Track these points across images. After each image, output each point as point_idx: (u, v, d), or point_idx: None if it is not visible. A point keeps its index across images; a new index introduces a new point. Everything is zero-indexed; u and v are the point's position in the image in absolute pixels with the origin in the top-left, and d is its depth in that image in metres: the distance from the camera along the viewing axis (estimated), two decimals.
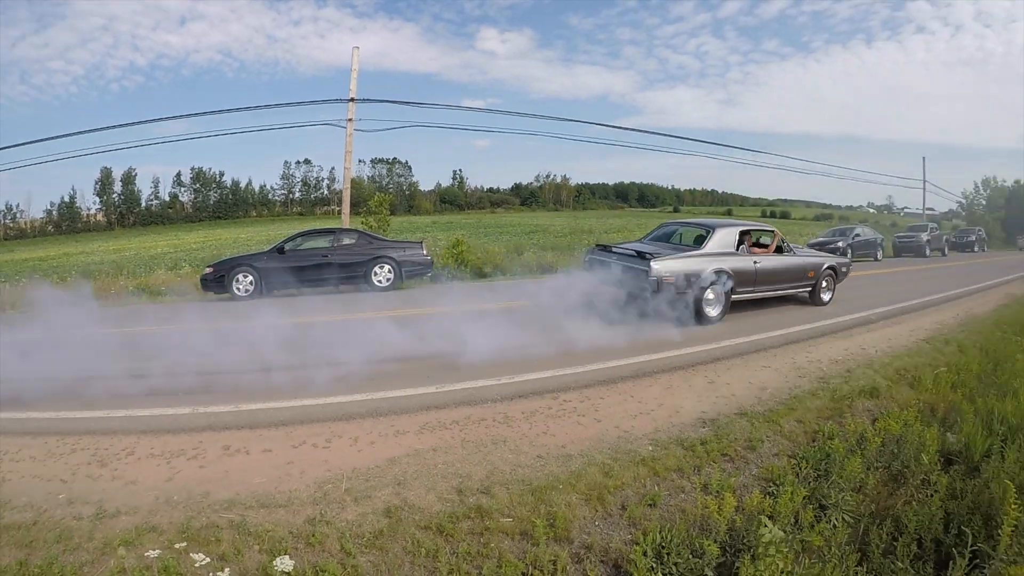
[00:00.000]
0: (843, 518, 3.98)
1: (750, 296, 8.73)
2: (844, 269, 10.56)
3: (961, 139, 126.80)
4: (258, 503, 3.24)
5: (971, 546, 3.38)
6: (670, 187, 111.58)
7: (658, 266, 7.41)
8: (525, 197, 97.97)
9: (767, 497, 3.90)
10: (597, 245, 9.61)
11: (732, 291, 8.11)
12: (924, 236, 25.20)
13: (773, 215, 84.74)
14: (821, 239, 21.81)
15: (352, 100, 16.05)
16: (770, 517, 3.56)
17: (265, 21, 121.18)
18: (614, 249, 8.55)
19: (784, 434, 4.94)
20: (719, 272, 7.88)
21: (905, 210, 75.67)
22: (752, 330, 8.32)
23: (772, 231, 9.58)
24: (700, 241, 8.33)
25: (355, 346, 6.13)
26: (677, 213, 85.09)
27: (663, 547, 3.30)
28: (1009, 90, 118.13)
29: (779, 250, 9.20)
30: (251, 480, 3.51)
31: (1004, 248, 40.01)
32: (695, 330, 7.90)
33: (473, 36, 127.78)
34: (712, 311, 8.12)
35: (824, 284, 10.00)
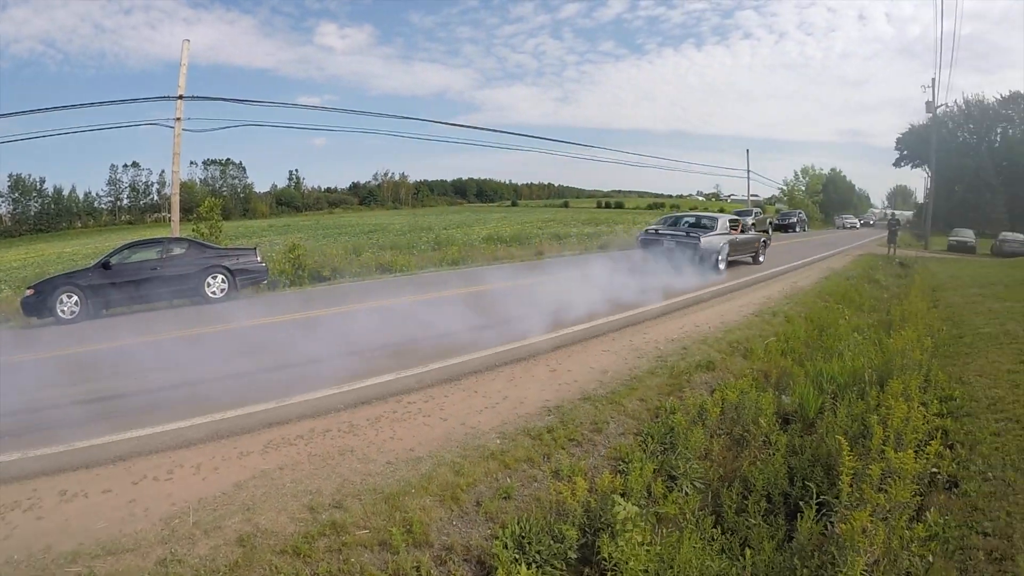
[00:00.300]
0: (693, 485, 4.94)
1: (732, 259, 15.70)
2: (769, 243, 19.52)
3: (782, 133, 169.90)
4: (104, 550, 3.52)
5: (816, 498, 4.41)
6: (508, 182, 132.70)
7: (748, 220, 19.48)
8: (364, 196, 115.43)
9: (618, 475, 4.72)
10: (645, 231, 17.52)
11: (728, 255, 15.13)
12: (749, 220, 31.14)
13: (608, 206, 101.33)
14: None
15: (181, 98, 17.47)
16: (622, 494, 4.33)
17: (93, 8, 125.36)
18: (661, 232, 16.20)
19: (628, 413, 5.90)
20: (726, 244, 15.04)
21: (732, 197, 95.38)
22: (585, 319, 9.43)
23: (737, 220, 16.89)
24: (709, 226, 15.36)
25: (189, 366, 6.92)
26: (515, 207, 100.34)
27: (523, 537, 3.87)
28: (826, 91, 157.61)
29: (743, 231, 16.69)
30: (94, 526, 3.80)
31: (823, 227, 52.65)
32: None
33: (312, 31, 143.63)
34: (722, 267, 14.85)
35: (761, 251, 18.00)
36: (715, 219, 16.52)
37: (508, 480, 4.52)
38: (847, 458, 4.12)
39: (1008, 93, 58.85)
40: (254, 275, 13.51)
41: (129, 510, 3.98)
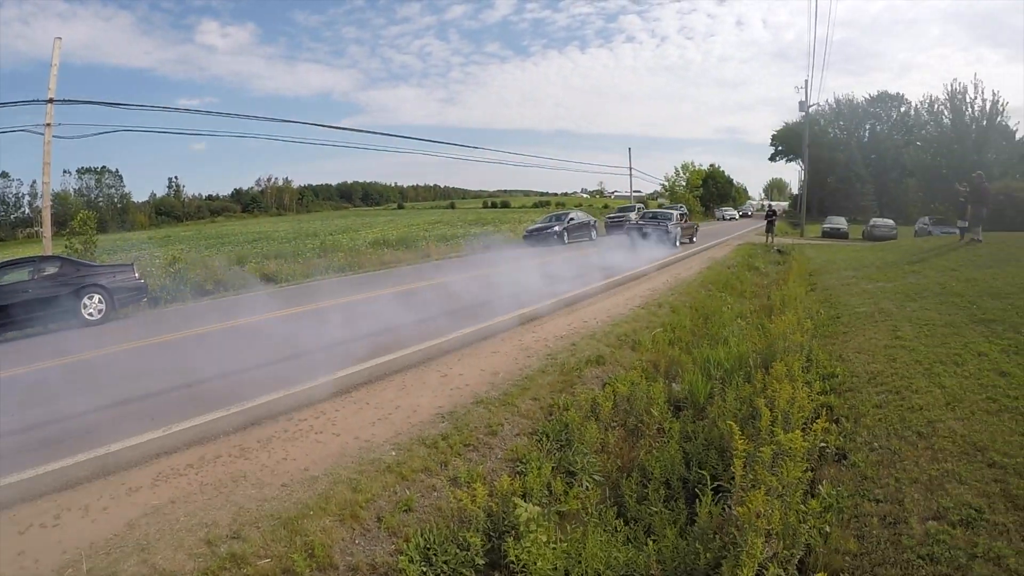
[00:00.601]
0: (592, 479, 5.46)
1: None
2: (697, 227, 32.55)
3: (664, 132, 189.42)
4: None
5: (713, 482, 4.92)
6: (393, 184, 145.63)
7: (632, 215, 34.29)
8: (247, 203, 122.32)
9: (517, 477, 5.13)
10: (634, 220, 30.72)
11: (680, 237, 26.75)
12: (632, 215, 36.31)
13: (495, 205, 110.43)
14: (539, 224, 29.44)
15: (51, 101, 17.64)
16: (523, 496, 4.73)
17: None
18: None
19: (522, 414, 6.42)
20: (677, 228, 26.42)
21: (615, 193, 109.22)
22: (465, 322, 9.98)
23: (685, 212, 34.39)
24: (668, 217, 27.88)
25: (67, 398, 7.01)
26: (401, 210, 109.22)
27: (429, 549, 4.18)
28: (705, 91, 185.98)
29: (684, 215, 31.25)
30: None
31: (703, 220, 57.26)
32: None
33: (193, 28, 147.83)
34: (679, 244, 25.84)
35: (694, 235, 30.07)
36: (670, 214, 28.94)
37: (407, 492, 4.82)
38: (739, 442, 4.55)
39: (876, 93, 72.13)
40: (133, 293, 14.04)
41: (19, 564, 3.97)
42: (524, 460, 5.43)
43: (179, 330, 10.99)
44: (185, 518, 4.41)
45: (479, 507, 4.37)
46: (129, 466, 5.29)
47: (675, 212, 29.87)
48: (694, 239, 29.26)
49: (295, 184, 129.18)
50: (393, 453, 5.35)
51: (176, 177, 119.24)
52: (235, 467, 5.16)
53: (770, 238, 29.11)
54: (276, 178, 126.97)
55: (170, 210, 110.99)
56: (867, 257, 18.97)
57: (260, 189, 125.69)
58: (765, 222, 30.72)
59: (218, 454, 5.41)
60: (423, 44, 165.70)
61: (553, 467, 5.36)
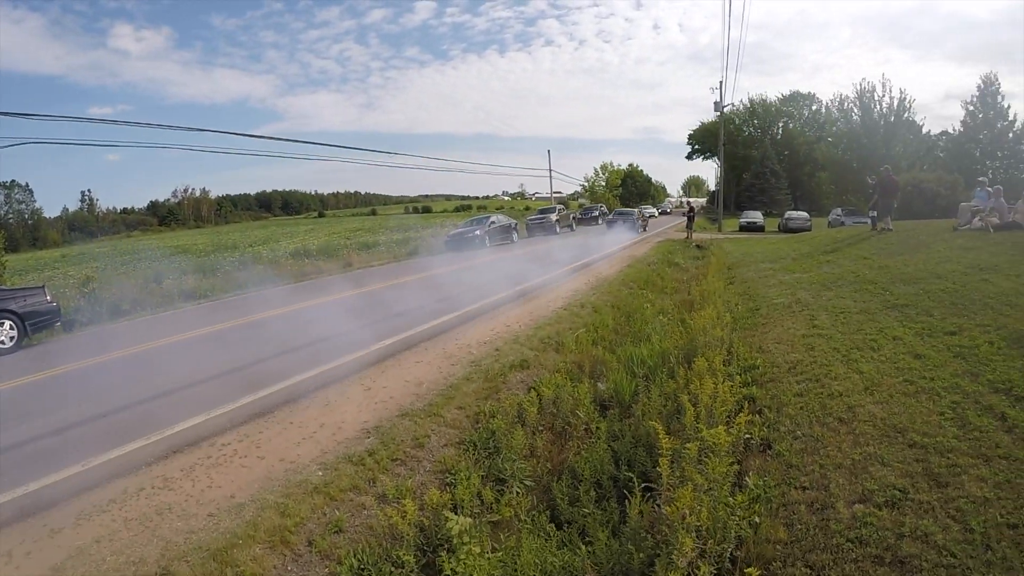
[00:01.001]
0: (523, 485, 5.54)
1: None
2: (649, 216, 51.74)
3: (583, 133, 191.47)
4: None
5: (642, 482, 4.95)
6: (314, 192, 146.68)
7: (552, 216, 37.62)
8: (163, 216, 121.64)
9: (447, 489, 5.18)
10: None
11: (641, 224, 40.48)
12: (553, 216, 37.52)
13: (416, 210, 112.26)
14: (460, 229, 29.87)
15: None
16: (453, 508, 4.77)
17: None
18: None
19: (448, 424, 6.44)
20: (639, 218, 40.92)
21: (536, 195, 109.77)
22: (391, 332, 10.08)
23: (605, 211, 50.31)
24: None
25: None
26: (322, 218, 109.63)
27: (363, 570, 4.20)
28: (622, 93, 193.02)
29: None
30: None
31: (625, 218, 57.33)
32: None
33: (106, 32, 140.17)
34: (640, 231, 38.03)
35: (646, 224, 41.70)
36: (632, 210, 43.62)
37: (337, 513, 4.78)
38: (664, 441, 4.63)
39: (789, 92, 76.84)
40: (45, 317, 13.61)
41: None
42: (453, 471, 5.45)
43: (94, 355, 10.60)
44: (112, 557, 4.31)
45: (409, 523, 4.36)
46: (49, 505, 5.09)
47: (635, 211, 41.60)
48: (647, 228, 38.67)
49: (213, 194, 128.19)
50: (320, 473, 5.31)
51: (89, 191, 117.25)
52: (159, 499, 5.05)
53: (690, 234, 30.00)
54: (193, 189, 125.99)
55: (84, 226, 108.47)
56: (783, 249, 19.66)
57: (177, 201, 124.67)
58: (685, 219, 31.68)
59: (141, 486, 5.27)
60: (342, 49, 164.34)
61: (483, 476, 5.41)
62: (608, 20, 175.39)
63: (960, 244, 12.37)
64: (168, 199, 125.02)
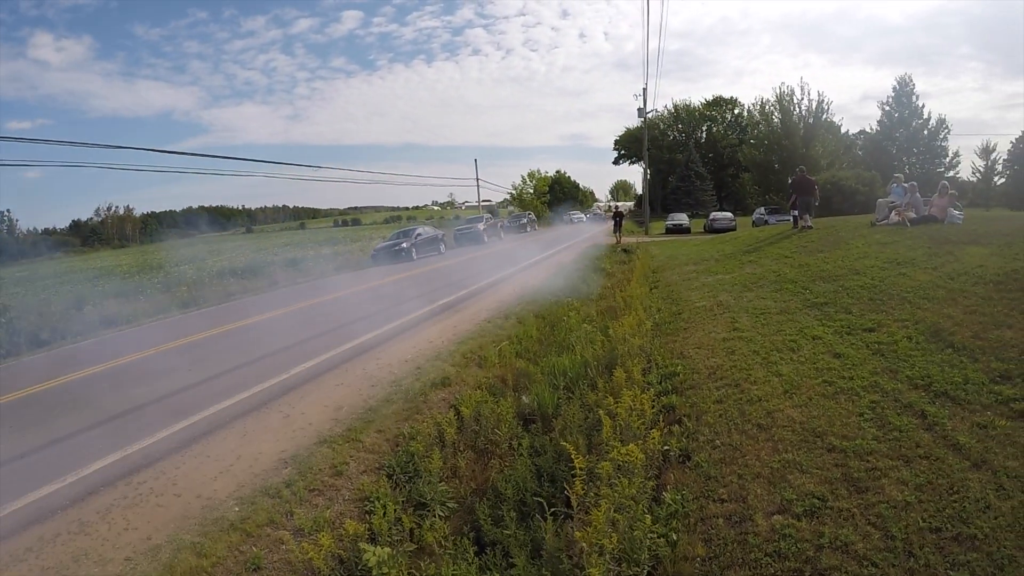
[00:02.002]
0: (445, 507, 5.49)
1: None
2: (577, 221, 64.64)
3: (511, 141, 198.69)
4: None
5: (550, 509, 4.83)
6: (241, 207, 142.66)
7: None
8: (87, 236, 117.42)
9: (365, 517, 5.13)
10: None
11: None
12: (480, 226, 38.10)
13: (346, 223, 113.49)
14: (387, 243, 29.58)
15: None
16: (371, 537, 4.72)
17: None
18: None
19: (367, 449, 6.37)
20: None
21: (466, 204, 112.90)
22: (312, 353, 10.01)
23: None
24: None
25: None
26: (251, 234, 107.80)
27: None
28: (549, 101, 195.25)
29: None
30: None
31: (553, 225, 60.41)
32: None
33: (25, 41, 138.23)
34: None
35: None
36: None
37: (254, 549, 4.73)
38: (578, 461, 4.55)
39: (711, 97, 79.97)
40: None
41: None
42: (372, 498, 5.37)
43: (10, 391, 10.06)
44: None
45: (324, 558, 4.27)
46: None
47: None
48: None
49: (137, 212, 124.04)
50: (237, 509, 5.25)
51: (8, 211, 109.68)
52: (76, 545, 4.93)
53: (618, 238, 30.36)
54: (117, 206, 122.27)
55: (3, 248, 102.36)
56: (707, 250, 19.91)
57: (100, 219, 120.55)
58: (612, 223, 32.08)
59: (57, 532, 5.12)
60: (268, 59, 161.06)
61: (403, 501, 5.35)
62: (535, 29, 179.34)
63: (878, 239, 12.66)
64: (91, 218, 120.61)
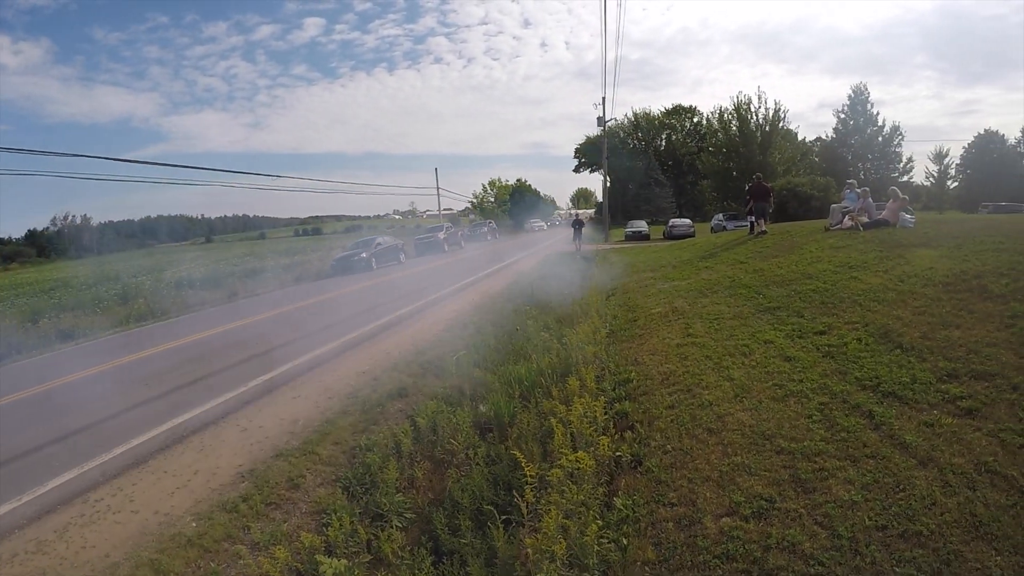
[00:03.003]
0: (403, 518, 5.51)
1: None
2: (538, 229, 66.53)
3: (472, 149, 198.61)
4: None
5: (505, 516, 4.94)
6: (199, 216, 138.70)
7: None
8: (43, 246, 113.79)
9: (322, 530, 5.13)
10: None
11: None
12: (441, 235, 38.37)
13: (306, 233, 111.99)
14: (346, 252, 29.73)
15: None
16: (328, 549, 4.73)
17: None
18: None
19: (324, 461, 6.40)
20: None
21: (427, 213, 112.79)
22: (270, 366, 10.03)
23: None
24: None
25: None
26: (210, 244, 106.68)
27: None
28: (510, 110, 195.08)
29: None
30: None
31: (514, 233, 61.01)
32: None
33: None
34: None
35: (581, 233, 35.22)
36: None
37: (212, 565, 4.75)
38: (528, 469, 4.64)
39: (671, 106, 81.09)
40: None
41: None
42: (329, 511, 5.41)
43: None
44: None
45: (281, 570, 4.31)
46: None
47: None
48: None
49: (95, 221, 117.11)
50: (194, 524, 5.27)
51: None
52: (33, 565, 4.92)
53: (578, 244, 30.53)
54: (74, 216, 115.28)
55: None
56: (665, 257, 20.16)
57: (57, 229, 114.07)
58: (572, 230, 32.25)
59: (14, 552, 5.11)
60: (229, 66, 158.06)
61: (360, 513, 5.42)
62: (497, 38, 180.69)
63: (831, 243, 12.91)
64: (48, 228, 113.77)
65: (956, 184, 68.79)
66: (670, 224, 42.32)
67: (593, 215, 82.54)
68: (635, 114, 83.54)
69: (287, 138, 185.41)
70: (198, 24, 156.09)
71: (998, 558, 3.40)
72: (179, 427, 7.43)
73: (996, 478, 3.98)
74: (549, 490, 4.68)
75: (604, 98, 45.59)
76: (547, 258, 26.72)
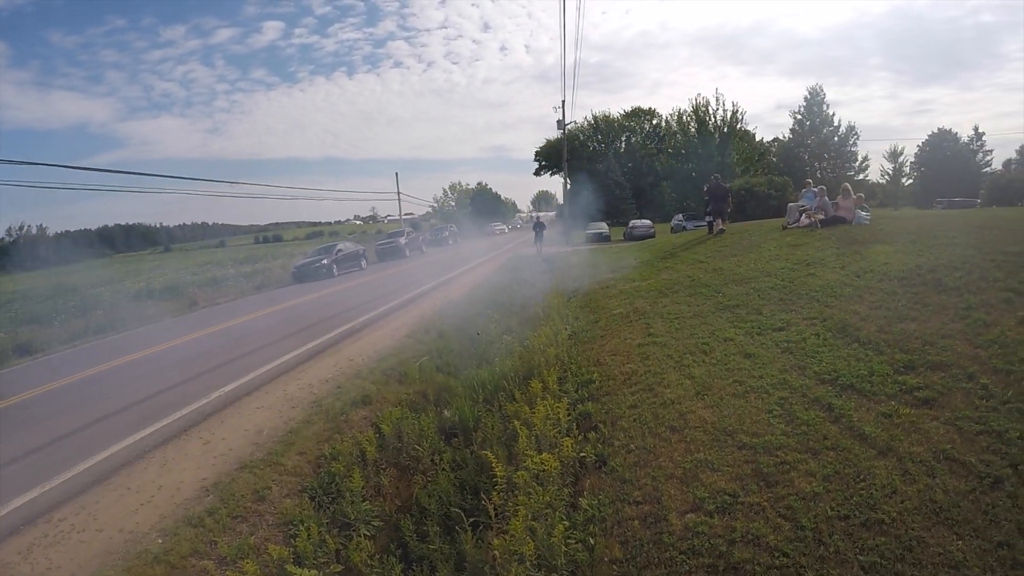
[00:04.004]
0: (371, 526, 5.57)
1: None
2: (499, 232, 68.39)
3: (433, 153, 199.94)
4: None
5: (472, 519, 5.05)
6: (159, 225, 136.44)
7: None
8: None
9: (291, 541, 5.17)
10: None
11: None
12: (402, 240, 38.44)
13: (267, 240, 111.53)
14: (307, 260, 29.78)
15: None
16: (297, 561, 4.75)
17: None
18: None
19: (289, 471, 6.38)
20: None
21: (389, 217, 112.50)
22: (233, 376, 9.97)
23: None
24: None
25: None
26: (169, 252, 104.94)
27: None
28: (470, 113, 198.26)
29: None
30: None
31: (475, 237, 60.83)
32: None
33: None
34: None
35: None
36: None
37: None
38: (499, 469, 4.73)
39: (630, 108, 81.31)
40: None
41: None
42: (295, 521, 5.43)
43: None
44: None
45: None
46: None
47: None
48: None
49: (51, 231, 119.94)
50: (160, 541, 5.25)
51: None
52: None
53: (539, 247, 30.61)
54: (29, 226, 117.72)
55: None
56: (625, 258, 20.20)
57: (12, 239, 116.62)
58: (534, 233, 32.33)
59: None
60: (187, 70, 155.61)
61: (327, 522, 5.45)
62: (456, 42, 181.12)
63: (789, 241, 13.14)
64: (3, 239, 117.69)
65: (911, 181, 70.69)
66: (630, 225, 42.51)
67: (555, 217, 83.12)
68: (595, 117, 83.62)
69: (246, 144, 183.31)
70: (156, 28, 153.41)
71: (959, 542, 3.49)
72: (141, 442, 7.35)
73: (955, 465, 4.09)
74: (516, 492, 4.70)
75: (564, 101, 46.01)
76: (508, 261, 26.79)
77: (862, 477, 4.15)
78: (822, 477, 4.25)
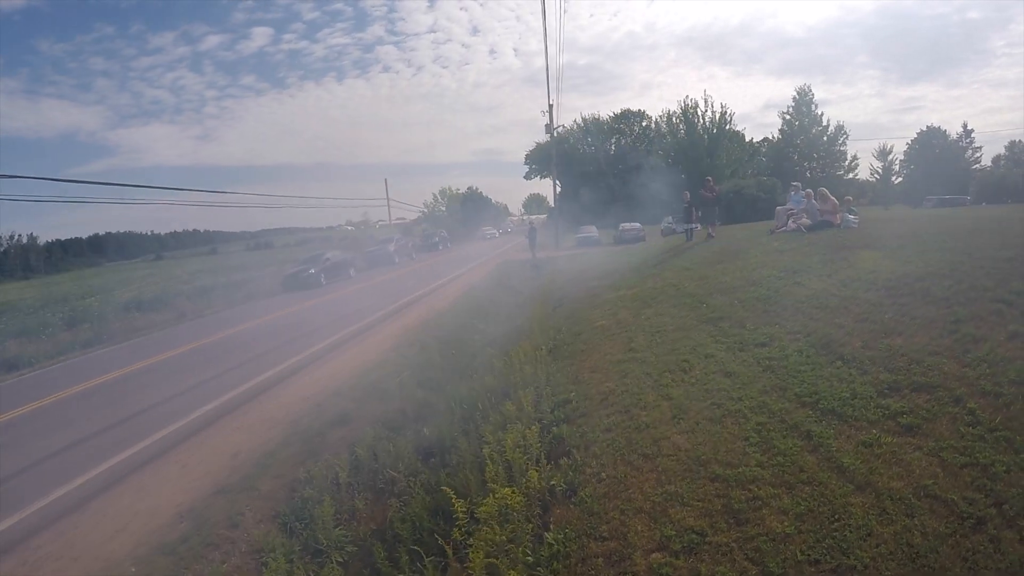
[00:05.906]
0: (344, 551, 5.55)
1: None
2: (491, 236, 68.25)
3: (423, 158, 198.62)
4: None
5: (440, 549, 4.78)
6: (150, 233, 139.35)
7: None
8: None
9: (263, 569, 5.11)
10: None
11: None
12: (391, 247, 38.64)
13: (258, 247, 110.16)
14: (296, 269, 29.82)
15: None
16: None
17: None
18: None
19: (264, 496, 6.33)
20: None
21: (380, 223, 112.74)
22: (214, 394, 10.05)
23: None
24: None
25: None
26: (160, 261, 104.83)
27: None
28: (460, 117, 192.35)
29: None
30: None
31: (466, 242, 60.99)
32: None
33: None
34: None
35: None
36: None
37: None
38: (458, 506, 4.71)
39: (620, 111, 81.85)
40: None
41: None
42: (268, 549, 5.41)
43: None
44: None
45: None
46: None
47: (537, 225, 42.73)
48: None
49: (42, 240, 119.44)
50: (134, 569, 5.26)
51: None
52: None
53: (534, 253, 30.55)
54: (20, 235, 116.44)
55: None
56: (613, 263, 20.13)
57: (3, 249, 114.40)
58: (527, 239, 32.35)
59: None
60: (176, 77, 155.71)
61: (300, 549, 5.43)
62: (445, 46, 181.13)
63: (775, 247, 12.97)
64: None
65: (900, 179, 70.91)
66: (620, 229, 42.39)
67: (546, 219, 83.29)
68: (584, 119, 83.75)
69: (237, 150, 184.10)
70: (144, 34, 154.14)
71: None
72: (120, 465, 7.36)
73: (935, 503, 3.86)
74: (480, 526, 4.55)
75: (551, 105, 45.57)
76: (497, 268, 26.78)
77: (837, 516, 3.91)
78: (795, 515, 4.02)
